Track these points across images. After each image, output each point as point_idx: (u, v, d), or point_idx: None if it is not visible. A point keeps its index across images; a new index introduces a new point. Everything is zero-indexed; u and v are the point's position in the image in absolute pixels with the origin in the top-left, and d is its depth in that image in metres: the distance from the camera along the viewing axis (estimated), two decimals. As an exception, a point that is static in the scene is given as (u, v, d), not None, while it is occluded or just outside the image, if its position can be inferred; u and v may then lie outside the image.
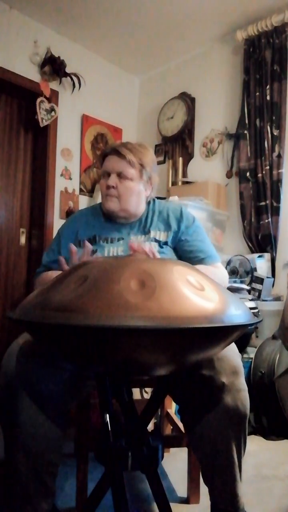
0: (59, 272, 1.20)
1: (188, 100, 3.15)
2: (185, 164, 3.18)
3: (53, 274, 1.30)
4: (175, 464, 1.64)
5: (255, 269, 2.45)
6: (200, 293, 0.74)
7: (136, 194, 1.37)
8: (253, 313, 1.40)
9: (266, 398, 1.96)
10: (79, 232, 1.38)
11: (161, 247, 1.33)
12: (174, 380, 1.02)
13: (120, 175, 1.34)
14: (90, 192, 3.19)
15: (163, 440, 1.01)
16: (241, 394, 0.98)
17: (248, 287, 2.37)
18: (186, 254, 1.35)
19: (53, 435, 0.96)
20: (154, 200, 1.45)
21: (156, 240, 1.34)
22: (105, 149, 1.44)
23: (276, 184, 2.58)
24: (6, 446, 0.97)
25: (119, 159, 1.34)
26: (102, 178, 1.39)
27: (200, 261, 1.33)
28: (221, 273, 1.36)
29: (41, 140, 2.99)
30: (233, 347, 1.04)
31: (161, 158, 3.33)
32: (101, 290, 0.71)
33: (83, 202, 3.13)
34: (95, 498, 0.96)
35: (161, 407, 1.79)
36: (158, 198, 1.54)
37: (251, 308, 2.01)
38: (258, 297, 2.37)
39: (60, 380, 0.97)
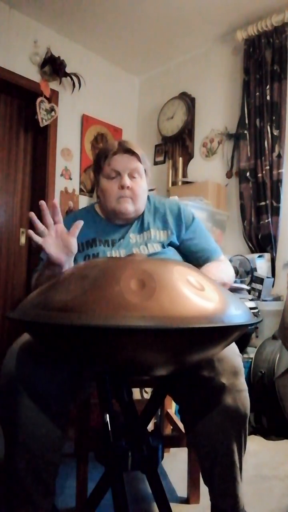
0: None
1: (188, 100, 3.15)
2: (185, 164, 3.18)
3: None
4: (175, 464, 1.64)
5: (255, 269, 2.45)
6: (200, 293, 0.74)
7: (145, 191, 1.34)
8: (253, 313, 1.40)
9: (266, 398, 1.96)
10: (78, 235, 1.34)
11: (163, 247, 1.30)
12: (174, 381, 1.02)
13: (131, 174, 1.30)
14: (90, 192, 3.20)
15: (163, 440, 1.01)
16: (241, 395, 0.98)
17: (248, 287, 2.37)
18: (190, 254, 1.33)
19: (53, 435, 0.96)
20: (148, 196, 1.40)
21: (158, 241, 1.30)
22: (106, 148, 1.32)
23: (276, 184, 2.58)
24: (6, 446, 0.97)
25: (131, 157, 1.29)
26: (108, 179, 1.31)
27: (205, 259, 1.32)
28: (227, 267, 1.35)
29: (41, 140, 3.00)
30: (233, 347, 1.04)
31: (161, 158, 3.33)
32: (101, 290, 0.71)
33: (83, 202, 3.13)
34: (95, 498, 0.96)
35: (161, 407, 1.79)
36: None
37: (251, 308, 2.01)
38: (258, 297, 2.37)
39: (60, 380, 0.97)
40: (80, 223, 1.10)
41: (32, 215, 1.07)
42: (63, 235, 1.08)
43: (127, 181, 1.28)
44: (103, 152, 1.32)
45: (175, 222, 1.34)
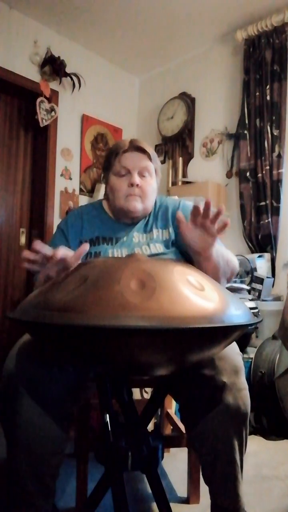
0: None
1: (188, 100, 3.15)
2: (185, 164, 3.18)
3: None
4: (175, 464, 1.64)
5: (255, 269, 2.45)
6: (200, 293, 0.74)
7: (155, 191, 1.33)
8: (253, 313, 1.40)
9: (266, 398, 1.96)
10: (83, 231, 1.31)
11: (167, 247, 1.28)
12: (175, 380, 1.02)
13: (141, 173, 1.29)
14: (90, 192, 3.20)
15: (163, 440, 1.01)
16: (242, 394, 0.98)
17: (248, 287, 2.37)
18: (185, 249, 1.28)
19: (55, 437, 0.96)
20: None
21: (161, 241, 1.28)
22: (117, 146, 1.31)
23: (276, 184, 2.58)
24: (8, 447, 0.97)
25: (142, 155, 1.29)
26: (117, 176, 1.29)
27: None
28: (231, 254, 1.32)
29: (41, 140, 2.99)
30: (234, 346, 1.04)
31: (161, 158, 3.33)
32: (101, 290, 0.71)
33: (83, 202, 3.13)
34: (95, 498, 0.96)
35: (161, 407, 1.79)
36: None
37: (251, 308, 2.01)
38: (258, 297, 2.37)
39: (61, 381, 0.97)
40: (86, 246, 0.99)
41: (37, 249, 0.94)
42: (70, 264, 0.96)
43: (136, 179, 1.27)
44: (114, 149, 1.31)
45: (172, 216, 1.31)
